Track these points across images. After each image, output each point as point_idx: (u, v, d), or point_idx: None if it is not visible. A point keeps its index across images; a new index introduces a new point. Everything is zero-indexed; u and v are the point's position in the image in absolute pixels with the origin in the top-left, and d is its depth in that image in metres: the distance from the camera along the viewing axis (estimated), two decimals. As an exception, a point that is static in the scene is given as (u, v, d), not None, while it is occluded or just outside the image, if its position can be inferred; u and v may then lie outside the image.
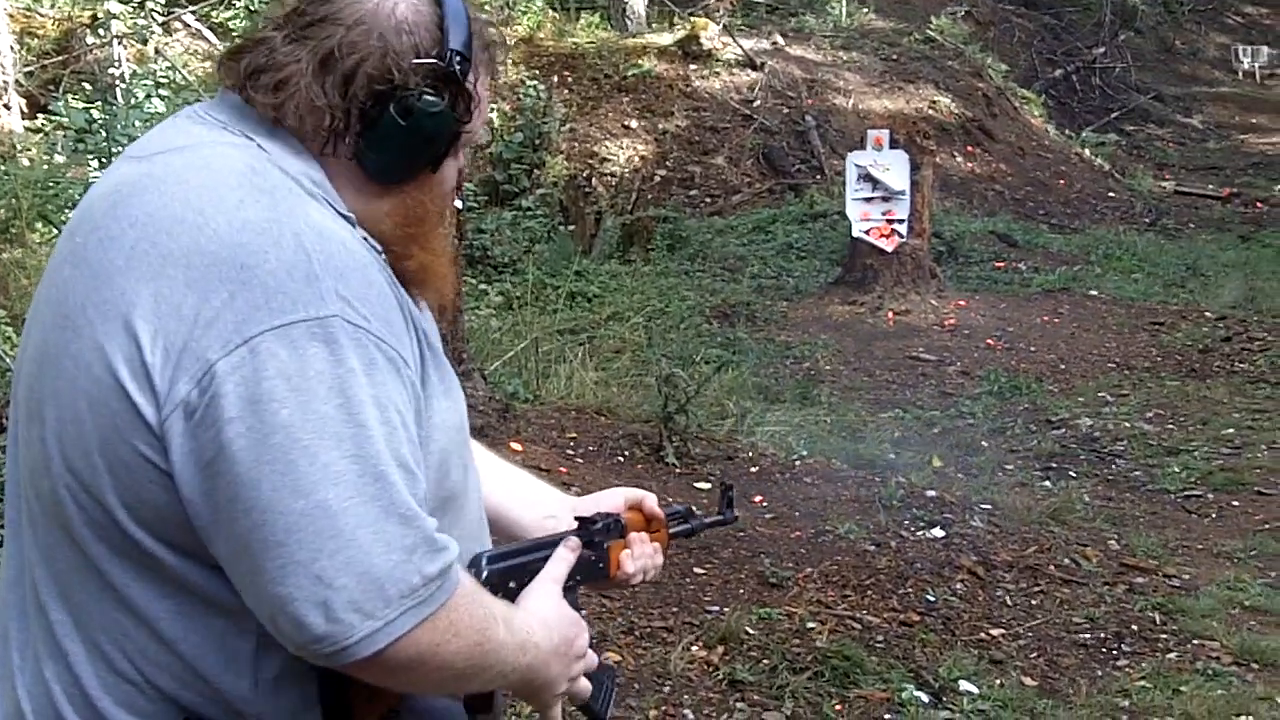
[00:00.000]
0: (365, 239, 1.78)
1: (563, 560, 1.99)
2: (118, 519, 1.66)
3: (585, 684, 1.96)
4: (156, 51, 15.47)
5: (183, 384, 1.59)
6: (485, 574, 1.88)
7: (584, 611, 1.99)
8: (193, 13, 17.33)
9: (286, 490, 1.55)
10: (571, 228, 14.59)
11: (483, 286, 11.87)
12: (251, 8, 15.76)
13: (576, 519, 2.13)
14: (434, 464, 1.77)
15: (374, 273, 1.71)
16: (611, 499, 2.26)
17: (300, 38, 1.78)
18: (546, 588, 1.93)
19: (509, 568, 1.93)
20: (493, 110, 16.80)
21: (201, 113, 1.83)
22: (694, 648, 5.11)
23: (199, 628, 1.68)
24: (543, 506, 2.22)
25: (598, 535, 2.11)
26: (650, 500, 2.29)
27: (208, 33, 17.40)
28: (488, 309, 11.15)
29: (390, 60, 1.77)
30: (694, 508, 2.45)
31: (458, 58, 1.81)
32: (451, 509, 1.83)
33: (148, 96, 13.08)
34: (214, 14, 17.75)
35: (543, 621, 1.86)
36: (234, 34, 16.31)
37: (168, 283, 1.63)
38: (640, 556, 2.18)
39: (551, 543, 2.04)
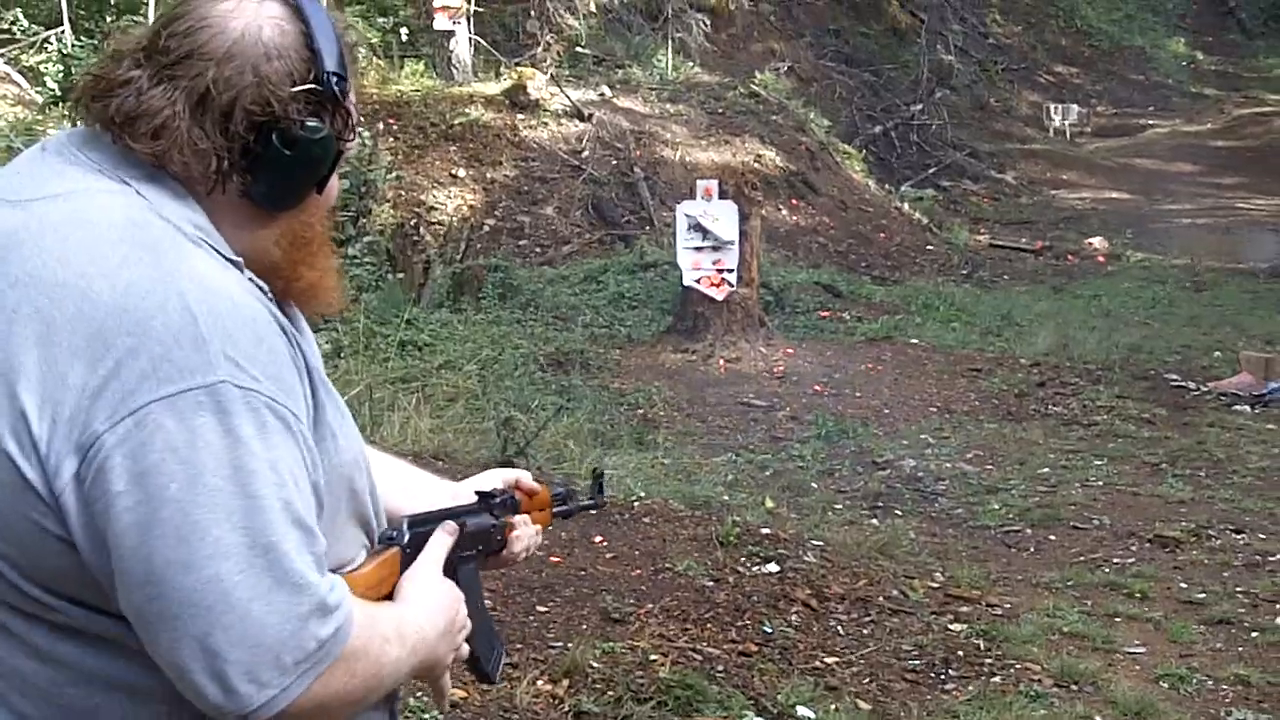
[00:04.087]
0: (252, 280, 1.75)
1: (440, 544, 2.00)
2: (12, 580, 1.65)
3: (465, 646, 2.02)
4: (-36, 96, 15.20)
5: (72, 457, 1.57)
6: (406, 537, 1.96)
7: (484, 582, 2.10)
8: (1, 56, 17.06)
9: (178, 566, 1.55)
10: (400, 276, 14.56)
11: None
12: (64, 51, 15.52)
13: (477, 493, 2.20)
14: (343, 498, 1.81)
15: (264, 326, 1.68)
16: (490, 480, 2.31)
17: (169, 77, 1.72)
18: (427, 571, 1.95)
19: (427, 533, 2.00)
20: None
21: (74, 150, 1.77)
22: (539, 682, 5.19)
23: (106, 667, 1.68)
24: (422, 495, 2.23)
25: (497, 508, 2.20)
26: (526, 477, 2.36)
27: (18, 76, 17.13)
28: (317, 357, 11.10)
29: (267, 91, 1.73)
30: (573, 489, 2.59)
31: (335, 79, 1.78)
32: (341, 532, 1.85)
33: (-43, 142, 12.82)
34: (23, 57, 17.49)
35: (428, 611, 1.89)
36: (44, 76, 16.05)
37: (53, 349, 1.59)
38: (524, 536, 2.27)
39: (462, 513, 2.11)
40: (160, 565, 1.55)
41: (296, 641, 1.60)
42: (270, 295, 1.78)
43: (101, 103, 1.76)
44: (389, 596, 1.90)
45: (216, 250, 1.72)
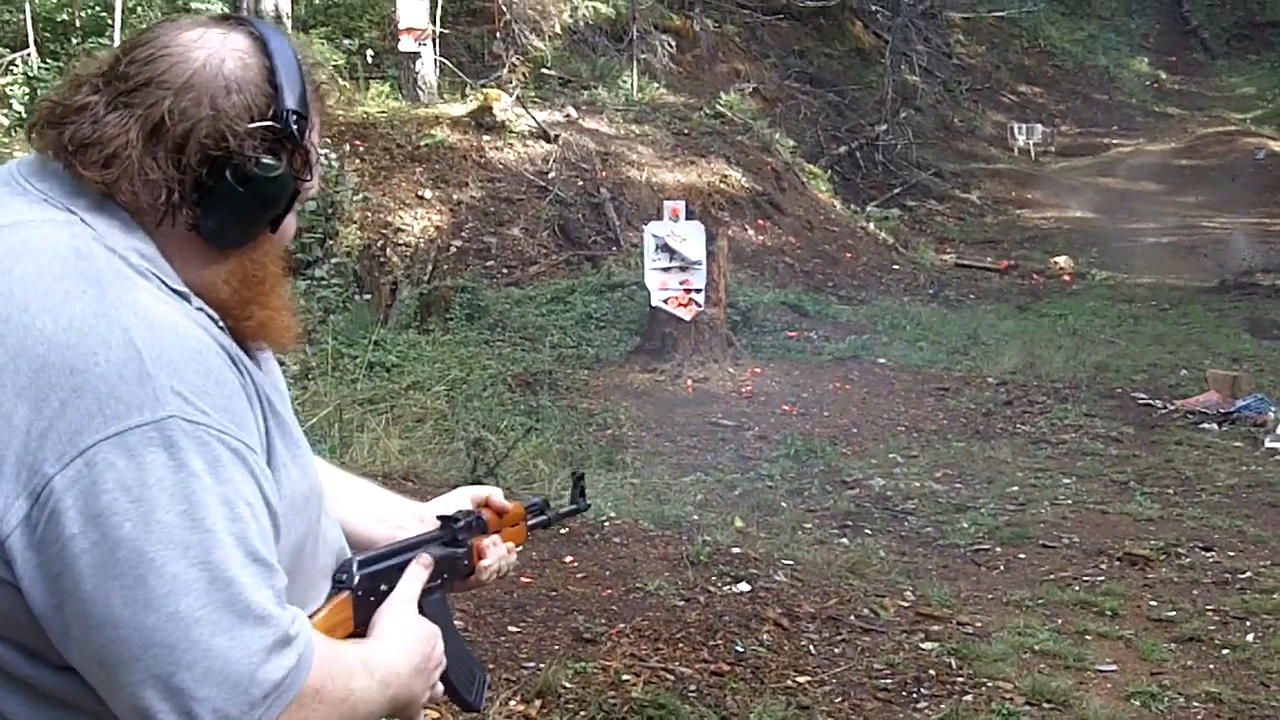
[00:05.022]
0: (202, 309, 1.72)
1: (415, 579, 1.98)
2: None
3: (439, 686, 1.99)
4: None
5: (21, 500, 1.54)
6: (356, 579, 1.91)
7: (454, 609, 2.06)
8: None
9: (138, 605, 1.52)
10: (367, 297, 14.52)
11: (279, 356, 11.72)
12: (30, 74, 15.44)
13: (439, 518, 2.16)
14: (293, 536, 1.76)
15: (211, 358, 1.65)
16: (459, 499, 2.27)
17: (125, 104, 1.70)
18: (400, 608, 1.93)
19: (378, 571, 1.95)
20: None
21: (21, 180, 1.74)
22: (512, 702, 5.18)
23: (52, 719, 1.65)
24: (390, 519, 2.20)
25: (461, 532, 2.15)
26: (497, 495, 2.30)
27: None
28: (286, 378, 11.05)
29: (223, 125, 1.70)
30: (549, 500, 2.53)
31: (295, 117, 1.75)
32: (304, 569, 1.83)
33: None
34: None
35: (401, 647, 1.87)
36: (10, 99, 15.99)
37: None
38: (494, 558, 2.22)
39: (418, 544, 2.07)
40: (119, 606, 1.53)
41: (263, 674, 1.57)
42: (222, 326, 1.76)
43: (56, 129, 1.73)
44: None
45: (164, 281, 1.69)
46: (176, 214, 1.71)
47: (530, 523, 2.42)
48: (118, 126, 1.68)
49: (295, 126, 1.75)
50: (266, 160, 1.72)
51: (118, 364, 1.56)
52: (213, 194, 1.71)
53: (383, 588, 1.95)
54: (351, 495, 2.22)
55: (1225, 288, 18.81)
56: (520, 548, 2.38)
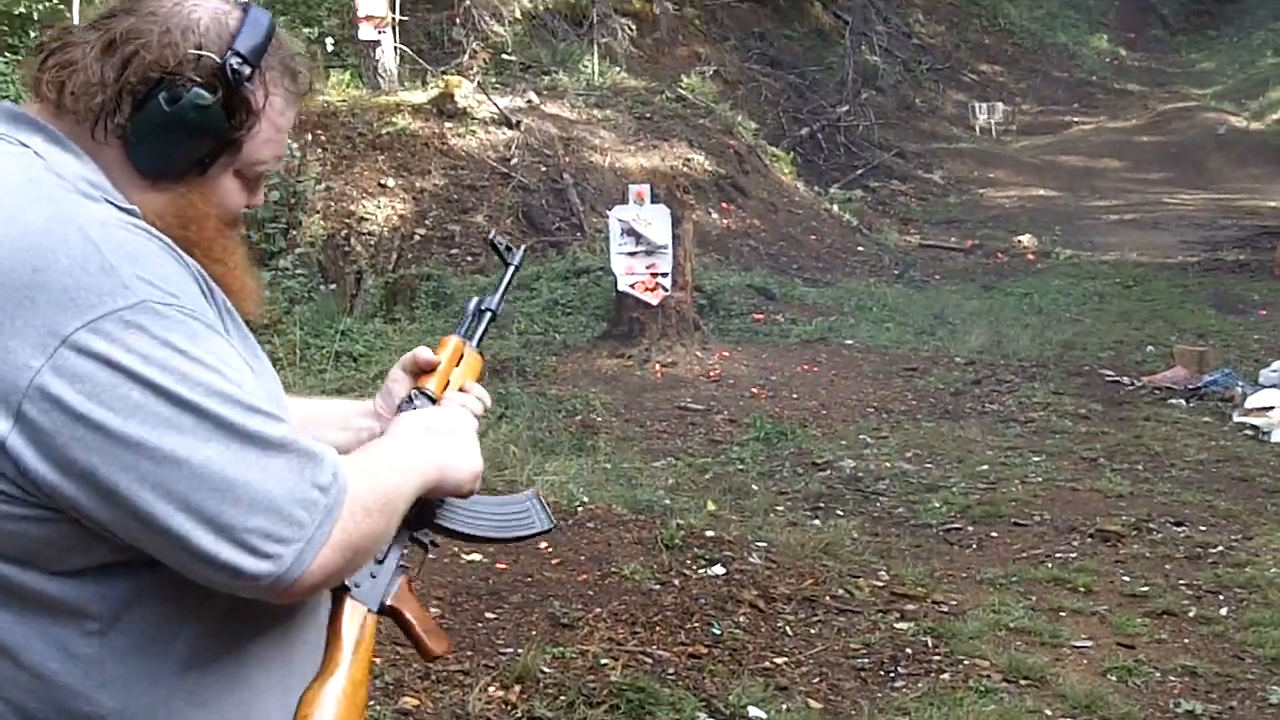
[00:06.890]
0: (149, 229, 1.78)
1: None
2: None
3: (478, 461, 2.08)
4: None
5: (11, 398, 1.58)
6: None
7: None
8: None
9: (166, 463, 1.58)
10: (333, 287, 14.47)
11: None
12: None
13: (398, 407, 2.17)
14: None
15: (163, 253, 1.72)
16: (395, 383, 2.23)
17: (96, 25, 1.81)
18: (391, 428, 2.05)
19: None
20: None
21: None
22: (491, 688, 5.16)
23: (40, 634, 1.67)
24: (352, 424, 2.21)
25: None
26: (423, 352, 2.25)
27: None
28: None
29: (169, 50, 1.78)
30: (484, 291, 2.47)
31: (236, 58, 1.81)
32: None
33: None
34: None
35: (400, 434, 2.00)
36: None
37: None
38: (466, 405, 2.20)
39: None
40: (149, 469, 1.58)
41: (303, 493, 1.65)
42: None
43: (40, 50, 1.86)
44: None
45: (114, 204, 1.77)
46: (109, 122, 1.79)
47: (477, 339, 2.34)
48: (80, 38, 1.81)
49: (234, 66, 1.82)
50: (200, 90, 1.80)
51: (79, 259, 1.63)
52: (143, 110, 1.79)
53: None
54: (317, 412, 2.25)
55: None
56: (485, 378, 2.34)
